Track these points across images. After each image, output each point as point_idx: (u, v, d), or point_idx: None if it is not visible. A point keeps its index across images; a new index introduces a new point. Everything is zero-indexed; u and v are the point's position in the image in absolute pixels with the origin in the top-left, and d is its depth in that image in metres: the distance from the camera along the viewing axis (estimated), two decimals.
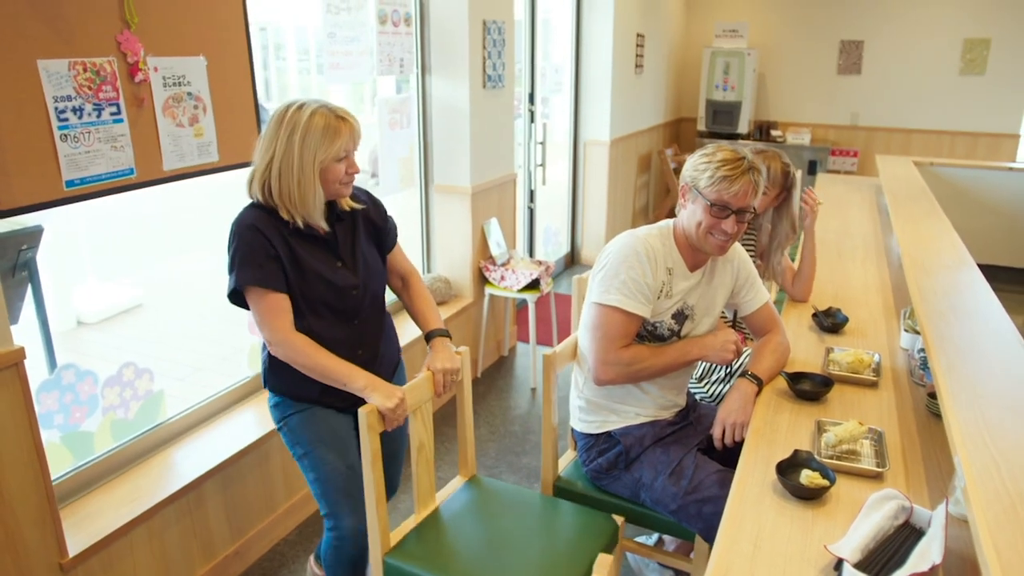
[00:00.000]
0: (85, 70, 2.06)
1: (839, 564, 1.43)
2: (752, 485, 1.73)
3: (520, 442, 3.50)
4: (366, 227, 2.08)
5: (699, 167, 1.99)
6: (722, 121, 7.49)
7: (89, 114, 2.09)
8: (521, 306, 4.95)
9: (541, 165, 5.16)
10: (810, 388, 2.14)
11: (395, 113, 3.58)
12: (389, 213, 2.20)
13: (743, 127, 7.45)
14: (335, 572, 2.08)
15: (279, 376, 2.02)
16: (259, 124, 2.65)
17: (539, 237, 5.58)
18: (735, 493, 1.70)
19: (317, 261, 1.94)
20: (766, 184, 2.11)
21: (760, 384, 2.14)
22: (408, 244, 3.98)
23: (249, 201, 1.96)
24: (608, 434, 2.18)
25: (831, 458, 1.81)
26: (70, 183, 2.07)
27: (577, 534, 2.04)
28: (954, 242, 3.14)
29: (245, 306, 1.93)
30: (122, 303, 5.09)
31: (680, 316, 2.10)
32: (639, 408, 2.16)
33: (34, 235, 2.24)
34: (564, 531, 2.06)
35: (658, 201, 7.74)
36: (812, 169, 7.22)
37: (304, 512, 2.92)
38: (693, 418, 2.25)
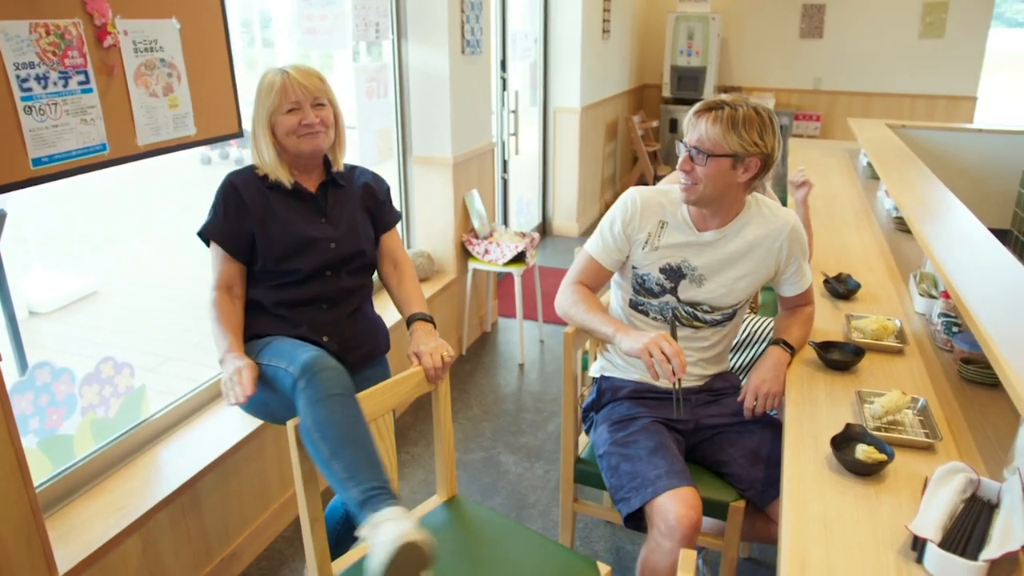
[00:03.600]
0: (48, 33, 1.84)
1: (916, 543, 1.35)
2: (805, 461, 1.64)
3: (515, 420, 3.38)
4: (364, 197, 2.10)
5: None
6: (687, 87, 7.41)
7: (55, 83, 1.87)
8: (501, 279, 4.82)
9: (514, 134, 5.00)
10: (841, 358, 2.05)
11: (372, 82, 3.38)
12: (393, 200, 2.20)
13: (708, 92, 7.37)
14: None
15: (248, 320, 1.99)
16: (236, 94, 2.45)
17: (512, 208, 5.43)
18: (790, 471, 1.61)
19: (295, 214, 1.97)
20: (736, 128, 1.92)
21: (793, 353, 2.05)
22: None
23: None
24: (602, 378, 2.17)
25: (878, 430, 1.73)
26: (37, 161, 1.86)
27: None
28: (953, 204, 3.10)
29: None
30: (76, 291, 4.80)
31: (673, 273, 2.01)
32: (638, 363, 2.07)
33: None
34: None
35: (624, 169, 7.65)
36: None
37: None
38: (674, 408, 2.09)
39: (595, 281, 2.08)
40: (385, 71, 3.53)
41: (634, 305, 2.08)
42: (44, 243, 5.18)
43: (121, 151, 2.07)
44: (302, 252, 1.94)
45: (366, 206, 2.09)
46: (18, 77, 1.78)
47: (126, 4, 2.03)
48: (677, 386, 1.92)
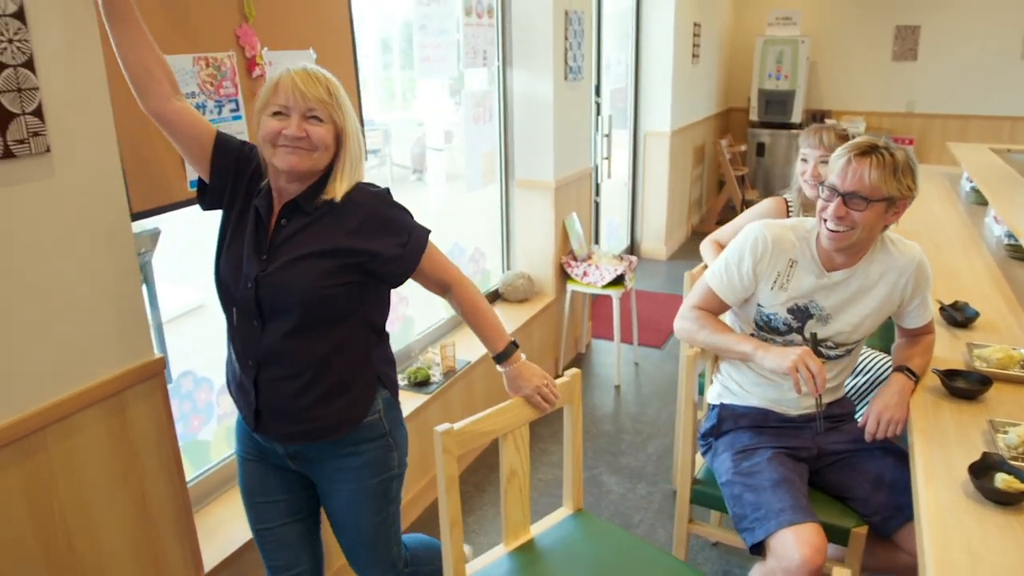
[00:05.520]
0: (207, 65, 1.99)
1: None
2: (941, 489, 1.62)
3: (614, 441, 3.41)
4: (349, 234, 1.61)
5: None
6: (775, 111, 7.35)
7: (211, 111, 2.02)
8: (593, 300, 4.86)
9: (607, 158, 5.06)
10: (967, 386, 2.02)
11: (478, 107, 3.49)
12: (412, 234, 1.68)
13: (796, 116, 7.31)
14: None
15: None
16: (362, 120, 2.57)
17: (603, 231, 5.48)
18: (926, 498, 1.59)
19: (249, 237, 1.62)
20: (891, 172, 1.90)
21: (917, 381, 2.03)
22: (489, 241, 3.92)
23: None
24: (721, 405, 2.17)
25: (1015, 460, 1.70)
26: (193, 183, 1.99)
27: None
28: None
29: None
30: (184, 305, 5.04)
31: (801, 313, 1.99)
32: (757, 390, 2.09)
33: (152, 238, 2.16)
34: None
35: (711, 193, 7.61)
36: None
37: (408, 518, 2.85)
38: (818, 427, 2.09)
39: (713, 312, 2.10)
40: (490, 97, 3.64)
41: None
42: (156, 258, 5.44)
43: None
44: (227, 284, 1.64)
45: (347, 247, 1.60)
46: None
47: (272, 37, 2.17)
48: (820, 403, 1.93)
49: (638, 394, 3.88)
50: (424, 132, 5.31)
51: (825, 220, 1.88)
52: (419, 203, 5.62)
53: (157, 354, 1.78)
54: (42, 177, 1.49)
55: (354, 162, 1.63)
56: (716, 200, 7.31)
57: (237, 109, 2.09)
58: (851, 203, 1.82)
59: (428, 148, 5.27)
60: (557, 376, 3.96)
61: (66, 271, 1.55)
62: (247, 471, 1.82)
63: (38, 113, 1.45)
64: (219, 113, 2.04)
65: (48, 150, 1.48)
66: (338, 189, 1.60)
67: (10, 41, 1.39)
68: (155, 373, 1.76)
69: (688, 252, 6.48)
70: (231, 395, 1.79)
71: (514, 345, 1.84)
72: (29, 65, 1.42)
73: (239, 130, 2.09)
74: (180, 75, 1.91)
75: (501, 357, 1.82)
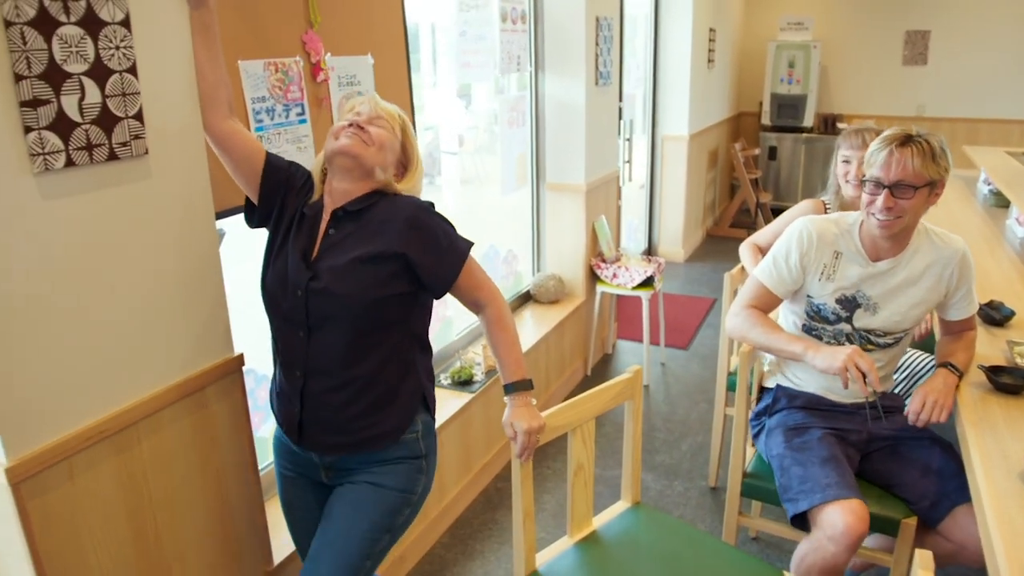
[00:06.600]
0: (276, 71, 2.05)
1: None
2: (1001, 479, 1.68)
3: (648, 440, 3.46)
4: (394, 240, 1.61)
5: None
6: (787, 115, 7.42)
7: (279, 115, 2.07)
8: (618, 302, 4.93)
9: (628, 162, 5.12)
10: (1012, 381, 2.08)
11: (513, 111, 3.55)
12: (452, 245, 1.68)
13: (808, 120, 7.38)
14: None
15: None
16: (414, 120, 2.63)
17: (622, 234, 5.54)
18: (986, 486, 1.65)
19: (297, 244, 1.64)
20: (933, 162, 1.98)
21: (961, 376, 2.09)
22: (520, 243, 3.98)
23: None
24: (778, 387, 2.26)
25: None
26: None
27: None
28: None
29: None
30: None
31: (848, 303, 2.07)
32: (807, 376, 2.19)
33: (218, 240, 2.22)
34: None
35: (723, 197, 7.68)
36: None
37: (453, 514, 2.90)
38: (868, 418, 2.16)
39: (765, 307, 2.16)
40: (522, 102, 3.70)
41: (807, 330, 2.16)
42: None
43: None
44: (276, 291, 1.64)
45: (391, 253, 1.60)
46: (253, 110, 1.99)
47: (335, 43, 2.23)
48: (871, 397, 2.00)
49: (667, 394, 3.94)
50: (436, 136, 5.37)
51: (873, 214, 1.96)
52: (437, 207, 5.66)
53: (237, 352, 1.83)
54: (140, 178, 1.54)
55: (415, 182, 1.74)
56: (731, 203, 7.37)
57: (303, 113, 2.15)
58: (898, 192, 1.91)
59: (442, 152, 5.33)
60: (586, 376, 4.04)
61: (160, 271, 1.61)
62: (285, 486, 1.82)
63: (139, 117, 1.51)
64: (287, 117, 2.09)
65: (147, 152, 1.54)
66: (394, 186, 1.69)
67: (117, 48, 1.45)
68: (234, 370, 1.81)
69: (705, 255, 6.55)
70: (272, 409, 1.77)
71: (518, 386, 1.74)
72: (132, 71, 1.48)
73: (304, 133, 2.15)
74: (253, 79, 1.97)
75: (517, 387, 1.73)
